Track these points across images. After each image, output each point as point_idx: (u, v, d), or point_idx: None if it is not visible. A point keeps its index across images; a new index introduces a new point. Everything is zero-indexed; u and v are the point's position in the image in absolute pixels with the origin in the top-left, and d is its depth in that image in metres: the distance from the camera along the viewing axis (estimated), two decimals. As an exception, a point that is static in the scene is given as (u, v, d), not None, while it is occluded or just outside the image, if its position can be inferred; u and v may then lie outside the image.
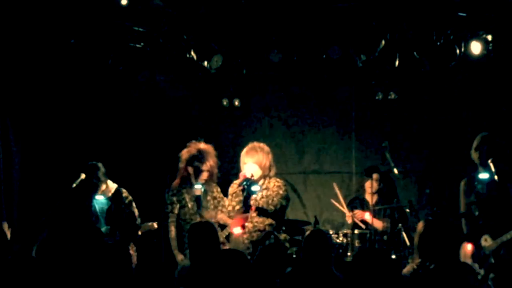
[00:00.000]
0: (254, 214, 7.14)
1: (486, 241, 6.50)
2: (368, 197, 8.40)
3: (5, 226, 7.15)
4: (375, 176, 8.23)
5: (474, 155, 6.76)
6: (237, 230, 7.02)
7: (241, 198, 7.12)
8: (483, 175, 6.63)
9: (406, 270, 5.09)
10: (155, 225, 7.34)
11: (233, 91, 8.90)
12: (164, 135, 8.88)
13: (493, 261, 6.40)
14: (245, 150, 7.27)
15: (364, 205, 8.44)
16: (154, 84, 8.41)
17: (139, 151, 8.86)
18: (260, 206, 7.09)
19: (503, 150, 6.77)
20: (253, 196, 7.10)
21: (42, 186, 8.30)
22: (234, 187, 7.28)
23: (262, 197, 7.09)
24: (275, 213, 7.11)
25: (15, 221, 7.94)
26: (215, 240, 5.10)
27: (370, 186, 8.29)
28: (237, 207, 7.14)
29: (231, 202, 7.23)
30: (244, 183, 7.03)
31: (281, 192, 7.13)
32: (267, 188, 7.13)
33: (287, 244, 7.17)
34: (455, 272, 4.81)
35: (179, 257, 7.09)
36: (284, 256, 6.60)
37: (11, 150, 8.05)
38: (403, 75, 8.23)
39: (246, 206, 7.14)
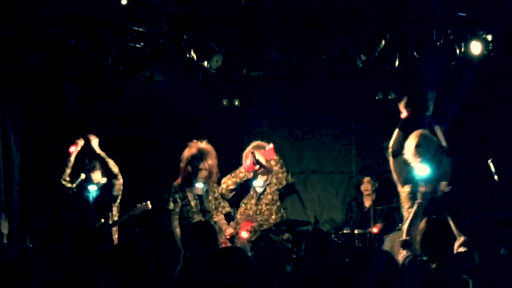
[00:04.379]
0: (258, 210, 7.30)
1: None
2: (366, 199, 8.43)
3: (4, 223, 7.17)
4: (367, 178, 8.26)
5: (412, 152, 6.58)
6: (244, 234, 7.06)
7: (239, 180, 7.28)
8: (424, 171, 6.42)
9: (402, 256, 5.10)
10: (149, 204, 7.42)
11: (233, 91, 8.91)
12: (164, 135, 8.88)
13: None
14: (250, 146, 7.46)
15: (360, 207, 8.47)
16: (154, 84, 8.40)
17: (139, 151, 8.86)
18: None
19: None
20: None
21: (42, 186, 8.30)
22: (238, 170, 7.42)
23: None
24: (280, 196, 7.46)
25: (15, 220, 7.94)
26: (213, 239, 5.11)
27: (366, 189, 8.33)
28: (231, 187, 7.32)
29: (227, 180, 7.37)
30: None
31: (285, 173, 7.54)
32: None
33: (289, 245, 7.20)
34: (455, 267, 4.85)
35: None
36: (281, 257, 6.62)
37: (10, 149, 8.05)
38: (403, 75, 8.22)
39: (240, 191, 7.37)
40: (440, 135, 6.72)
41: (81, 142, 7.70)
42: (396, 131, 6.81)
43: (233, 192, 7.43)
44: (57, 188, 7.72)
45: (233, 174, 7.44)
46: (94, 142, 7.65)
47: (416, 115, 6.94)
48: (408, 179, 6.63)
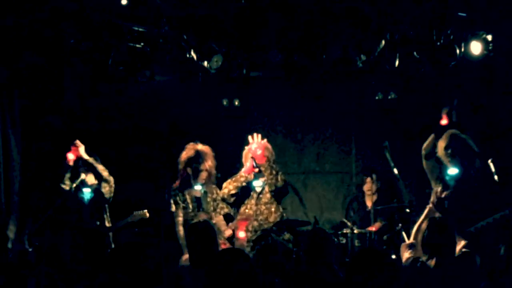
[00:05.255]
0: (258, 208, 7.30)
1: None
2: (367, 199, 8.42)
3: (11, 227, 7.20)
4: (373, 177, 8.28)
5: (443, 153, 6.78)
6: (242, 234, 7.07)
7: (240, 184, 7.29)
8: (453, 171, 6.67)
9: (405, 258, 5.10)
10: (147, 213, 7.43)
11: (233, 91, 8.90)
12: (164, 135, 8.88)
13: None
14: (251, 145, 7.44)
15: (361, 207, 8.47)
16: (154, 84, 8.40)
17: (139, 151, 8.86)
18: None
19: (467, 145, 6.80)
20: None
21: (42, 186, 8.30)
22: (238, 174, 7.41)
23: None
24: (278, 193, 7.39)
25: (16, 221, 7.94)
26: (214, 240, 5.11)
27: (369, 189, 8.33)
28: (233, 192, 7.33)
29: (228, 185, 7.39)
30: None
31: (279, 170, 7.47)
32: (269, 163, 7.42)
33: (290, 245, 7.20)
34: (456, 267, 4.83)
35: (185, 256, 7.09)
36: (281, 256, 6.61)
37: (10, 149, 8.04)
38: (403, 75, 8.22)
39: (241, 195, 7.36)
40: (470, 141, 6.85)
41: (80, 147, 7.67)
42: (432, 135, 6.99)
43: (235, 197, 7.44)
44: (57, 189, 7.72)
45: (234, 179, 7.43)
46: (81, 149, 7.65)
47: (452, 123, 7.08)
48: (440, 178, 6.85)
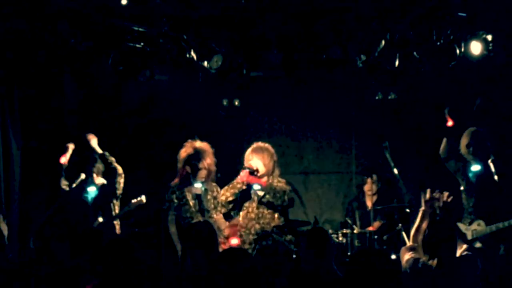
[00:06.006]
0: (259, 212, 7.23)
1: (479, 226, 6.60)
2: (368, 199, 8.42)
3: (1, 222, 7.18)
4: (373, 177, 8.29)
5: (465, 150, 6.91)
6: (235, 241, 7.02)
7: (237, 191, 7.17)
8: (475, 167, 6.83)
9: (405, 260, 5.11)
10: (144, 199, 7.42)
11: (233, 91, 8.91)
12: (164, 135, 8.88)
13: (478, 245, 6.53)
14: (250, 149, 7.32)
15: (361, 207, 8.48)
16: (154, 84, 8.40)
17: (139, 151, 8.86)
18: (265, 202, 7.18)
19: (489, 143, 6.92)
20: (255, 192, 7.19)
21: (42, 186, 8.30)
22: (235, 181, 7.32)
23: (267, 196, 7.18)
24: (283, 209, 7.21)
25: (16, 221, 7.95)
26: (213, 239, 5.11)
27: (369, 189, 8.33)
28: (230, 199, 7.21)
29: (226, 192, 7.28)
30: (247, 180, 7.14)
31: (285, 188, 7.21)
32: (270, 187, 7.18)
33: (292, 246, 7.17)
34: (458, 268, 4.83)
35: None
36: (282, 256, 6.61)
37: (10, 149, 8.04)
38: (403, 75, 8.23)
39: (239, 201, 7.25)
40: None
41: (71, 147, 7.66)
42: (444, 140, 7.09)
43: (232, 203, 7.32)
44: (57, 189, 7.73)
45: (230, 186, 7.30)
46: (94, 141, 7.64)
47: (461, 122, 7.15)
48: (464, 175, 6.97)
